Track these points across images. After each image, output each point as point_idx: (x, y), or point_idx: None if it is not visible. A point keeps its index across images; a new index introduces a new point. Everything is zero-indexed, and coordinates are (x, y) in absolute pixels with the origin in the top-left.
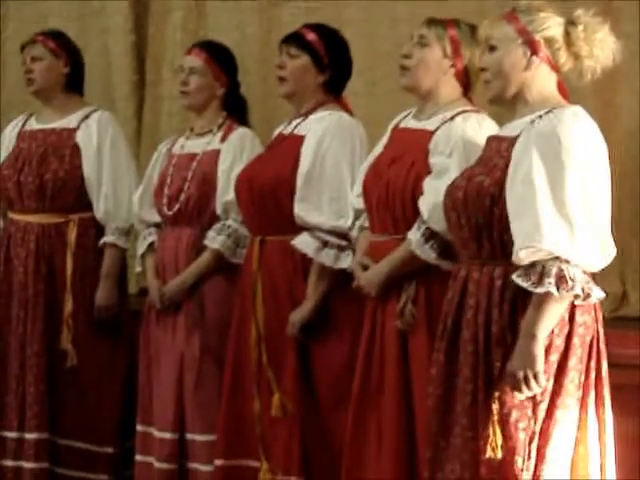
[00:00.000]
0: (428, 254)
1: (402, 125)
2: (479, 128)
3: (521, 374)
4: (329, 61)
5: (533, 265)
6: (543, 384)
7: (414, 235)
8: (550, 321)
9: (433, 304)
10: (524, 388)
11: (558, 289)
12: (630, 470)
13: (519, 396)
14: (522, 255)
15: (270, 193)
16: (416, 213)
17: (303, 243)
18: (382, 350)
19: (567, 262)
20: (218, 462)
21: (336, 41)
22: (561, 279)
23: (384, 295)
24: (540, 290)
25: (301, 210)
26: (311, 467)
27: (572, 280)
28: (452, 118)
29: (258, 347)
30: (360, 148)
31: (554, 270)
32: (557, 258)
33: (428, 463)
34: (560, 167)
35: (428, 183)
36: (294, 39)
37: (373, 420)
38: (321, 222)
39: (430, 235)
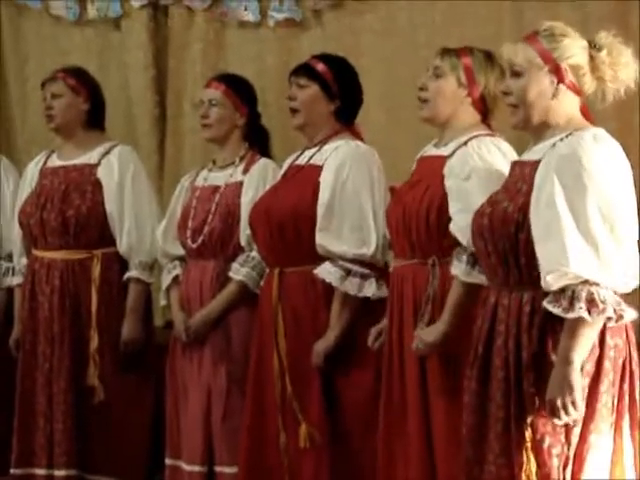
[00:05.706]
0: (480, 278)
1: (424, 154)
2: (495, 150)
3: (559, 402)
4: (338, 89)
5: (563, 290)
6: (582, 411)
7: (458, 268)
8: (585, 346)
9: None
10: (562, 415)
11: (590, 313)
12: None
13: (555, 422)
14: (550, 280)
15: (290, 224)
16: (430, 236)
17: (326, 272)
18: (402, 371)
19: (596, 285)
20: None
21: (344, 69)
22: (592, 303)
23: (399, 319)
24: (572, 315)
25: (323, 240)
26: None
27: (603, 303)
28: (466, 143)
29: (282, 378)
30: (378, 175)
31: (584, 294)
32: (586, 282)
33: None
34: (582, 189)
35: (453, 208)
36: (303, 70)
37: (399, 442)
38: (344, 251)
39: (475, 259)
